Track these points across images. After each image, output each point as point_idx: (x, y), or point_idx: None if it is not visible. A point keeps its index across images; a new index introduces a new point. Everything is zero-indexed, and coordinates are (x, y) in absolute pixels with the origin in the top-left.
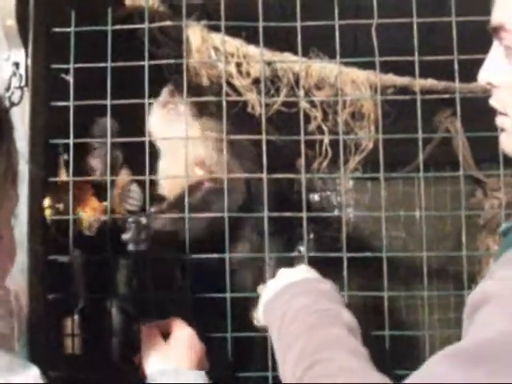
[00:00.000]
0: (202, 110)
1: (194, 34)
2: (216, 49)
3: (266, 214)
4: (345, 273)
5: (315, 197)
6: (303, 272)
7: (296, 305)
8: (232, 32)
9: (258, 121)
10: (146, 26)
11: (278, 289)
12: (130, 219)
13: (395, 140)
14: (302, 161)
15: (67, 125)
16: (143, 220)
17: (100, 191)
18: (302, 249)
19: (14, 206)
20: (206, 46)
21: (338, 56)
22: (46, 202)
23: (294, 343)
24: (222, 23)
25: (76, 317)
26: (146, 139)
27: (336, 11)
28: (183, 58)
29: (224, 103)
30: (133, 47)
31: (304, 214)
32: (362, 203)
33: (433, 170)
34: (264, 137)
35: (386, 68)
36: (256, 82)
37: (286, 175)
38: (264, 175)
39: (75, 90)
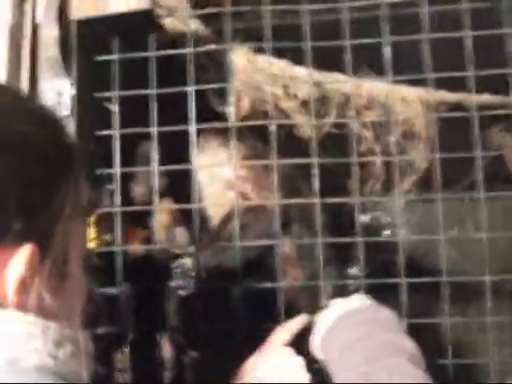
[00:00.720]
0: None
1: (239, 56)
2: (262, 71)
3: (320, 240)
4: (404, 298)
5: (365, 218)
6: (358, 300)
7: (355, 335)
8: (277, 54)
9: (305, 144)
10: (191, 50)
11: (333, 319)
12: (175, 265)
13: (447, 158)
14: (355, 184)
15: (110, 154)
16: (188, 263)
17: (141, 220)
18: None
19: (84, 242)
20: (251, 68)
21: (389, 74)
22: (92, 233)
23: (351, 374)
24: (269, 44)
25: (126, 350)
26: (192, 166)
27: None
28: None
29: (274, 127)
30: (176, 73)
31: (360, 239)
32: (412, 222)
33: (485, 187)
34: (316, 160)
35: (437, 84)
36: (304, 103)
37: (339, 199)
38: (317, 200)
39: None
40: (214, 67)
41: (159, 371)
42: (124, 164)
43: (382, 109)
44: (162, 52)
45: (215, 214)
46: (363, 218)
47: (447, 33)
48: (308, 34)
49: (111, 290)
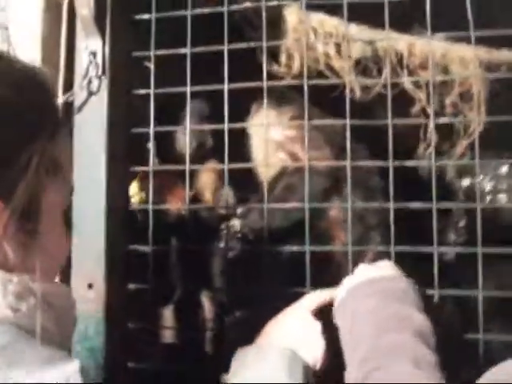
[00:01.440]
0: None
1: (291, 14)
2: (314, 29)
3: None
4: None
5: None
6: (383, 268)
7: (366, 306)
8: (331, 11)
9: (359, 105)
10: (225, 9)
11: (352, 286)
12: (222, 227)
13: None
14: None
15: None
16: (235, 225)
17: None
18: None
19: (63, 200)
20: (303, 26)
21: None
22: (133, 189)
23: (358, 346)
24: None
25: (171, 308)
26: (225, 126)
27: None
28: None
29: (305, 87)
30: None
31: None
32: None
33: None
34: (348, 121)
35: (499, 43)
36: (357, 63)
37: (369, 162)
38: (348, 162)
39: (164, 78)
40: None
41: (202, 330)
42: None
43: (436, 69)
44: (198, 10)
45: (265, 175)
46: (464, 183)
47: None
48: None
49: (144, 248)
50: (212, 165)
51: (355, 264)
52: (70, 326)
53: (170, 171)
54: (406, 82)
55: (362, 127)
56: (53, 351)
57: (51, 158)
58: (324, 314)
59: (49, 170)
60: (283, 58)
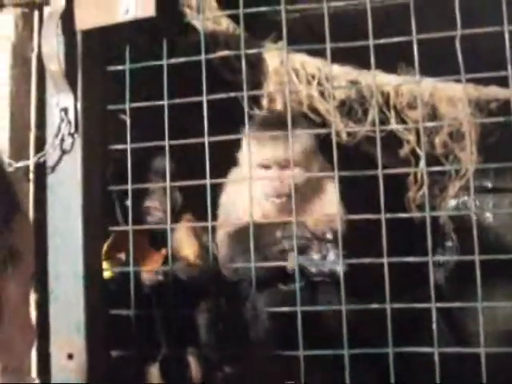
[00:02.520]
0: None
1: (272, 57)
2: (296, 71)
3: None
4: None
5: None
6: None
7: None
8: (313, 53)
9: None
10: (202, 57)
11: None
12: None
13: None
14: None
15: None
16: None
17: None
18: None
19: (26, 291)
20: (284, 69)
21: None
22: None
23: None
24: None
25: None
26: (207, 182)
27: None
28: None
29: (290, 134)
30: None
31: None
32: (502, 205)
33: None
34: (336, 173)
35: (487, 80)
36: (341, 104)
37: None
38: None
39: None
40: (246, 69)
41: None
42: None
43: (425, 108)
44: (173, 60)
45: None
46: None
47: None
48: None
49: (125, 312)
50: (188, 221)
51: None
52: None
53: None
54: (394, 124)
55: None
56: None
57: (7, 246)
58: None
59: (6, 260)
60: (265, 102)
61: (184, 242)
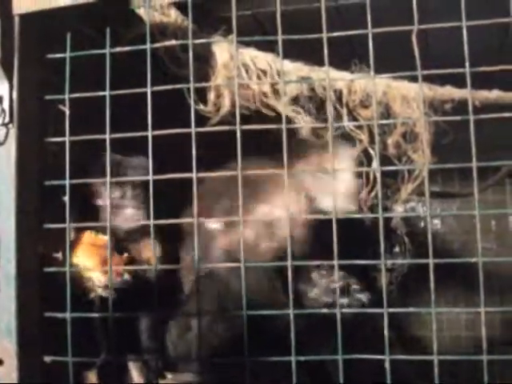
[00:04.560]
0: None
1: (221, 50)
2: (246, 66)
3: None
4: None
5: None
6: None
7: None
8: (264, 46)
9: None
10: (147, 46)
11: None
12: None
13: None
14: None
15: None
16: None
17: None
18: None
19: None
20: (234, 63)
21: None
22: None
23: None
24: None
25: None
26: (150, 178)
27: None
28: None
29: (238, 132)
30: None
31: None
32: (450, 211)
33: None
34: (286, 171)
35: (444, 79)
36: (294, 101)
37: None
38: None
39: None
40: (193, 62)
41: None
42: None
43: (378, 107)
44: (118, 49)
45: None
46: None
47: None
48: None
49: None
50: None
51: None
52: None
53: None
54: (347, 122)
55: None
56: None
57: None
58: None
59: None
60: (211, 97)
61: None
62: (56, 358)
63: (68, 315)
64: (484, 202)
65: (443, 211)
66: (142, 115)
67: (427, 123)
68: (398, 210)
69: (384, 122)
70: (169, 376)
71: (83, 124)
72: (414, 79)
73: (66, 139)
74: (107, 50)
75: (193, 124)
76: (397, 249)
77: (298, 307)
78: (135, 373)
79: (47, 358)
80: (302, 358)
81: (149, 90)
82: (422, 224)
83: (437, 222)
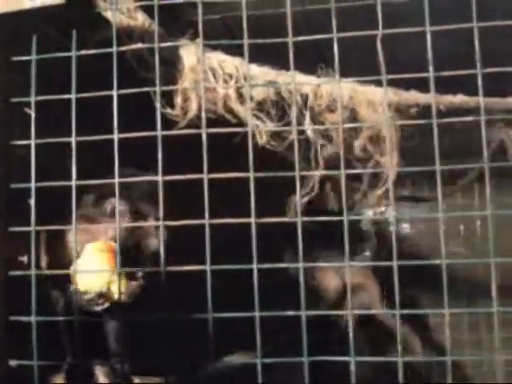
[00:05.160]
0: None
1: (188, 53)
2: (213, 70)
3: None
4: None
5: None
6: None
7: None
8: (232, 51)
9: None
10: (114, 49)
11: None
12: None
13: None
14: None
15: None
16: None
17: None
18: None
19: None
20: (201, 66)
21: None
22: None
23: None
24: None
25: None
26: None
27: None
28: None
29: (204, 136)
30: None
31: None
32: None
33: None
34: (252, 175)
35: (409, 84)
36: (259, 105)
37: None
38: (253, 220)
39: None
40: (160, 65)
41: None
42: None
43: (344, 111)
44: (83, 52)
45: None
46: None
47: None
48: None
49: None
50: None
51: None
52: None
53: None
54: (309, 128)
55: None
56: None
57: None
58: None
59: None
60: (178, 100)
61: None
62: (22, 361)
63: (33, 319)
64: (453, 206)
65: (412, 215)
66: (108, 119)
67: (394, 127)
68: (368, 215)
69: (350, 125)
70: (136, 380)
71: (53, 127)
72: (380, 84)
73: (32, 142)
74: (73, 53)
75: (159, 127)
76: (367, 253)
77: None
78: (101, 377)
79: (12, 362)
80: (314, 359)
81: (115, 93)
82: (391, 228)
83: (406, 226)
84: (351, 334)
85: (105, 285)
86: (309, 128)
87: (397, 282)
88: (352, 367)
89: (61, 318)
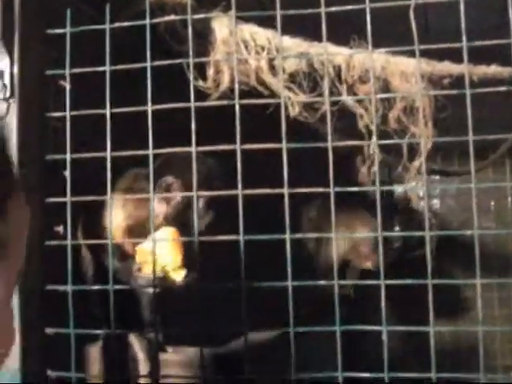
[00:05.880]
0: None
1: (221, 25)
2: (245, 42)
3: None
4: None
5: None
6: None
7: None
8: (264, 23)
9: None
10: (147, 22)
11: None
12: None
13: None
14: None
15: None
16: None
17: None
18: None
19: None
20: (233, 38)
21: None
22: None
23: None
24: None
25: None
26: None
27: None
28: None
29: (237, 107)
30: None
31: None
32: (449, 193)
33: None
34: (284, 145)
35: (442, 55)
36: (291, 77)
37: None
38: (286, 190)
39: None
40: (193, 38)
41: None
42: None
43: (377, 82)
44: (117, 24)
45: None
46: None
47: None
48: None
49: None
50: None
51: None
52: None
53: None
54: (346, 98)
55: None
56: None
57: None
58: None
59: None
60: (211, 73)
61: None
62: (58, 330)
63: (69, 288)
64: (484, 180)
65: (442, 190)
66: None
67: (427, 97)
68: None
69: (382, 95)
70: (169, 350)
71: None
72: (413, 54)
73: (67, 114)
74: (107, 26)
75: (192, 99)
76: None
77: None
78: (137, 346)
79: (49, 330)
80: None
81: (148, 65)
82: (422, 204)
83: (436, 201)
84: (383, 304)
85: (170, 270)
86: (347, 98)
87: (428, 253)
88: (384, 337)
89: (97, 287)
